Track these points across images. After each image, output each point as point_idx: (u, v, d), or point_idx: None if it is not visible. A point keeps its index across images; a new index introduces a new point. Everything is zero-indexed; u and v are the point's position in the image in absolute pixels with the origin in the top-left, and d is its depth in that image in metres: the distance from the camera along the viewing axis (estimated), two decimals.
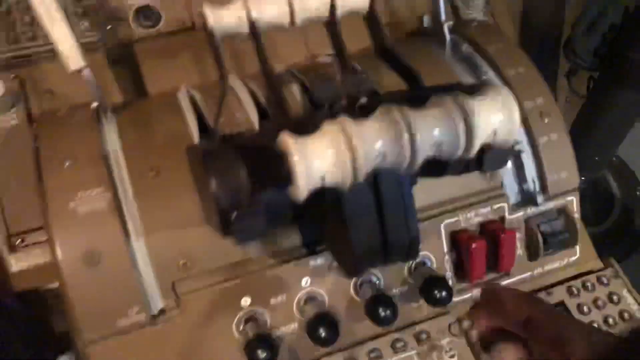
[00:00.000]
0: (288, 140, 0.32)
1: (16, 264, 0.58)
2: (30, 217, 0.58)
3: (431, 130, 0.35)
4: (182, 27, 0.66)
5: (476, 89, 0.38)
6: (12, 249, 0.58)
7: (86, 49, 0.53)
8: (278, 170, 0.34)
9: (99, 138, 0.51)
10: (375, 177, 0.38)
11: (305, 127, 0.35)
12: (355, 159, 0.33)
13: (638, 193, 1.15)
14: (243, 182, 0.37)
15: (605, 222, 1.16)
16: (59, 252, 0.47)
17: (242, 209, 0.37)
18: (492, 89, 0.38)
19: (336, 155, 0.33)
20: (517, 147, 0.56)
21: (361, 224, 0.40)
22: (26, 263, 0.58)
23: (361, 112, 0.35)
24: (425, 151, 0.35)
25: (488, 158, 0.39)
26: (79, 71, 0.51)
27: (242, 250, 0.51)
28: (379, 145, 0.33)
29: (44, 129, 0.52)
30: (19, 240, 0.58)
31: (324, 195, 0.35)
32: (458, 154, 0.36)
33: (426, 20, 0.66)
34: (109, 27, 0.64)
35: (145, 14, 0.65)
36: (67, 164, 0.49)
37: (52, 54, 0.62)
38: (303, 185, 0.32)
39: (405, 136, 0.34)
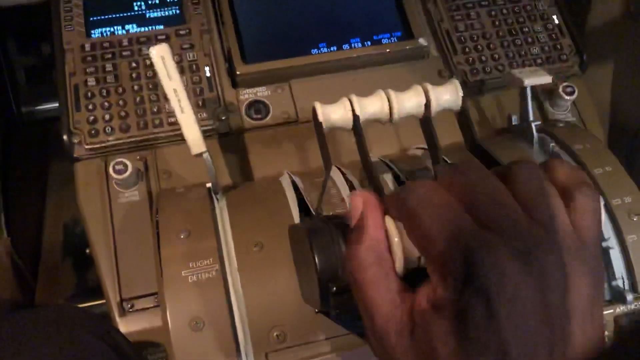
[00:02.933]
0: (389, 223, 0.36)
1: (125, 326, 0.64)
2: (141, 284, 0.64)
3: None
4: (287, 120, 0.73)
5: None
6: (122, 313, 0.64)
7: (204, 135, 0.60)
8: None
9: (211, 214, 0.57)
10: None
11: None
12: None
13: None
14: (342, 255, 0.40)
15: None
16: (169, 315, 0.52)
17: (341, 283, 0.40)
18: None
19: None
20: (604, 244, 0.57)
21: None
22: (133, 327, 0.64)
23: None
24: None
25: None
26: (200, 155, 0.58)
27: (333, 327, 0.54)
28: None
29: (164, 203, 0.59)
30: (130, 305, 0.64)
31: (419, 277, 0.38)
32: None
33: (514, 119, 0.70)
34: (223, 117, 0.72)
35: (256, 107, 0.73)
36: (182, 235, 0.55)
37: (172, 140, 0.71)
38: (400, 267, 0.35)
39: None
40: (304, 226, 0.47)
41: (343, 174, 0.61)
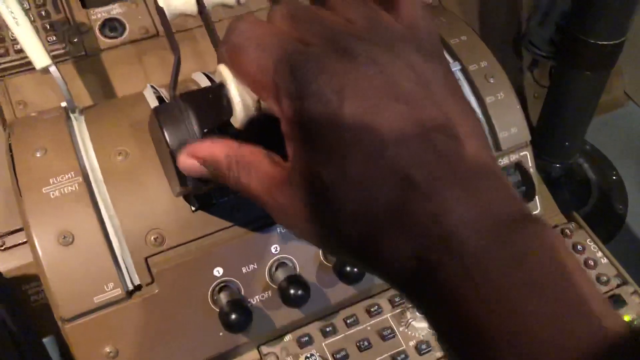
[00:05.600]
0: (223, 69, 0.35)
1: None
2: (10, 221, 0.61)
3: None
4: (146, 36, 0.70)
5: None
6: None
7: (55, 61, 0.56)
8: (221, 103, 0.36)
9: (67, 130, 0.54)
10: None
11: None
12: None
13: (614, 177, 1.18)
14: (193, 126, 0.39)
15: (584, 207, 1.18)
16: (34, 235, 0.49)
17: None
18: None
19: None
20: None
21: None
22: (7, 265, 0.60)
23: None
24: None
25: None
26: (46, 69, 0.54)
27: (211, 224, 0.53)
28: None
29: (16, 126, 0.55)
30: (0, 243, 0.61)
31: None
32: None
33: None
34: (75, 39, 0.67)
35: (111, 25, 0.69)
36: (38, 154, 0.52)
37: (24, 68, 0.66)
38: (239, 109, 0.34)
39: None
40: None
41: (210, 79, 0.59)
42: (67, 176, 0.51)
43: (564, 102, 1.02)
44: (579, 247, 0.62)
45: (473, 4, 0.96)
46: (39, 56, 0.54)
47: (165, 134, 0.40)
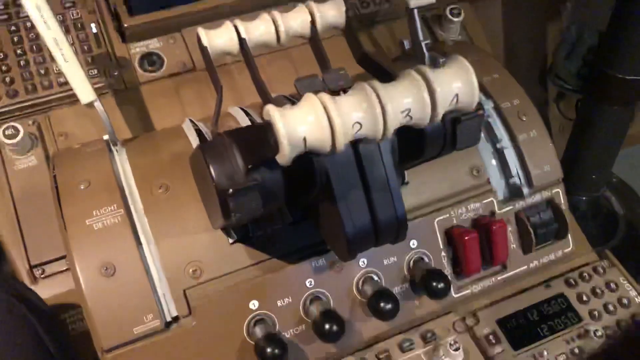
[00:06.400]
0: (272, 110, 0.36)
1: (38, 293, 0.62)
2: (50, 249, 0.62)
3: (399, 99, 0.39)
4: (183, 70, 0.72)
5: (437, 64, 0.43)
6: (34, 280, 0.62)
7: (97, 94, 0.58)
8: (267, 141, 0.38)
9: (110, 163, 0.55)
10: (358, 156, 0.42)
11: None
12: (332, 122, 0.37)
13: None
14: (237, 162, 0.40)
15: (612, 240, 1.17)
16: (77, 265, 0.50)
17: (238, 186, 0.40)
18: (449, 60, 0.43)
19: (315, 119, 0.37)
20: (499, 145, 0.60)
21: (350, 202, 0.43)
22: (47, 293, 0.62)
23: None
24: (396, 118, 0.39)
25: (460, 130, 0.43)
26: (91, 104, 0.56)
27: (248, 257, 0.54)
28: (354, 113, 0.38)
29: (60, 158, 0.57)
30: (40, 271, 0.62)
31: (310, 166, 0.38)
32: (426, 120, 0.40)
33: (406, 44, 0.71)
34: (115, 73, 0.70)
35: (150, 60, 0.71)
36: (82, 187, 0.54)
37: (66, 100, 0.68)
38: (287, 148, 0.36)
39: (377, 105, 0.38)
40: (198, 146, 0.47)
41: (247, 113, 0.61)
42: (109, 208, 0.53)
43: (590, 135, 1.02)
44: (612, 285, 0.62)
45: (500, 37, 0.97)
46: (85, 92, 0.55)
47: (211, 170, 0.41)
